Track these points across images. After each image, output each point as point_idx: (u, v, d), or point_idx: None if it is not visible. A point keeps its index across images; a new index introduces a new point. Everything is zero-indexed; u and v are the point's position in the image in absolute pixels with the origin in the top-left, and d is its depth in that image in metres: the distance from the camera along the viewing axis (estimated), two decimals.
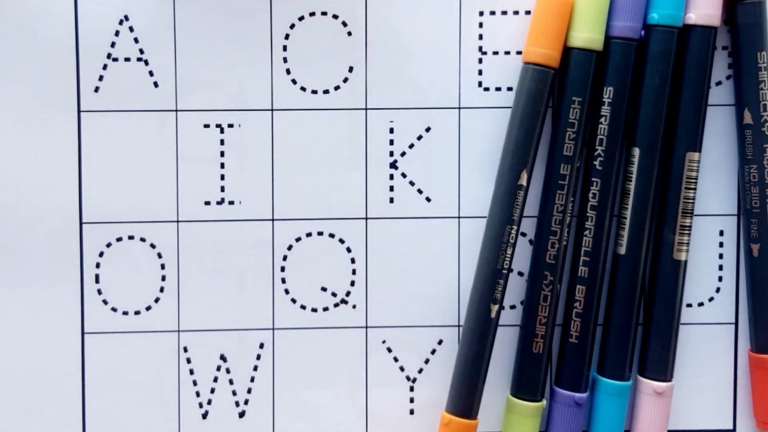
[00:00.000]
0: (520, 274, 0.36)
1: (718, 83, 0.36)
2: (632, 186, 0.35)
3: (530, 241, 0.36)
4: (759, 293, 0.36)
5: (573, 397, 0.35)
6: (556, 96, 0.35)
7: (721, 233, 0.37)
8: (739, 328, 0.37)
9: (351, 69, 0.36)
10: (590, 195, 0.35)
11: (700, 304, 0.37)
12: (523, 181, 0.34)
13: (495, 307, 0.34)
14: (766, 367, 0.36)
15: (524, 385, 0.35)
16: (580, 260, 0.35)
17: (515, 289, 0.36)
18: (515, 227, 0.34)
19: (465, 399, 0.35)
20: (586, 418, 0.36)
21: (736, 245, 0.37)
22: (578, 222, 0.35)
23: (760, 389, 0.36)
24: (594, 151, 0.35)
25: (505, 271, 0.34)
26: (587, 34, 0.34)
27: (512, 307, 0.36)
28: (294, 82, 0.36)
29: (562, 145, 0.34)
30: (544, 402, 0.35)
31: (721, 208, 0.37)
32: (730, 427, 0.37)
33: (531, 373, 0.35)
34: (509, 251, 0.34)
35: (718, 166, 0.37)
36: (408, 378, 0.37)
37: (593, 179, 0.35)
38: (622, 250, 0.35)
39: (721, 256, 0.37)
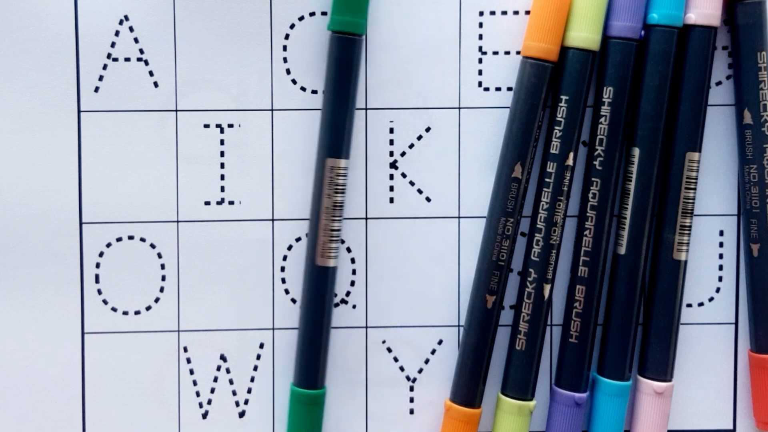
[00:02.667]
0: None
1: (718, 83, 0.36)
2: (632, 186, 0.35)
3: None
4: (759, 293, 0.36)
5: (573, 397, 0.35)
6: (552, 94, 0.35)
7: (721, 233, 0.37)
8: (739, 328, 0.37)
9: None
10: (590, 195, 0.35)
11: (700, 304, 0.37)
12: (518, 174, 0.34)
13: (492, 299, 0.34)
14: (766, 367, 0.36)
15: (511, 383, 0.35)
16: (580, 260, 0.35)
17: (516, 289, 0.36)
18: (511, 220, 0.34)
19: (465, 388, 0.35)
20: (586, 418, 0.36)
21: (736, 245, 0.37)
22: (578, 222, 0.35)
23: (760, 389, 0.36)
24: (594, 151, 0.35)
25: (501, 263, 0.34)
26: (585, 34, 0.34)
27: (512, 307, 0.36)
28: (294, 82, 0.36)
29: (549, 143, 0.34)
30: (534, 402, 0.35)
31: (721, 208, 0.37)
32: (730, 427, 0.37)
33: (517, 370, 0.35)
34: (505, 243, 0.34)
35: (718, 166, 0.37)
36: (408, 378, 0.37)
37: (593, 179, 0.35)
38: (622, 250, 0.35)
39: (721, 256, 0.37)
